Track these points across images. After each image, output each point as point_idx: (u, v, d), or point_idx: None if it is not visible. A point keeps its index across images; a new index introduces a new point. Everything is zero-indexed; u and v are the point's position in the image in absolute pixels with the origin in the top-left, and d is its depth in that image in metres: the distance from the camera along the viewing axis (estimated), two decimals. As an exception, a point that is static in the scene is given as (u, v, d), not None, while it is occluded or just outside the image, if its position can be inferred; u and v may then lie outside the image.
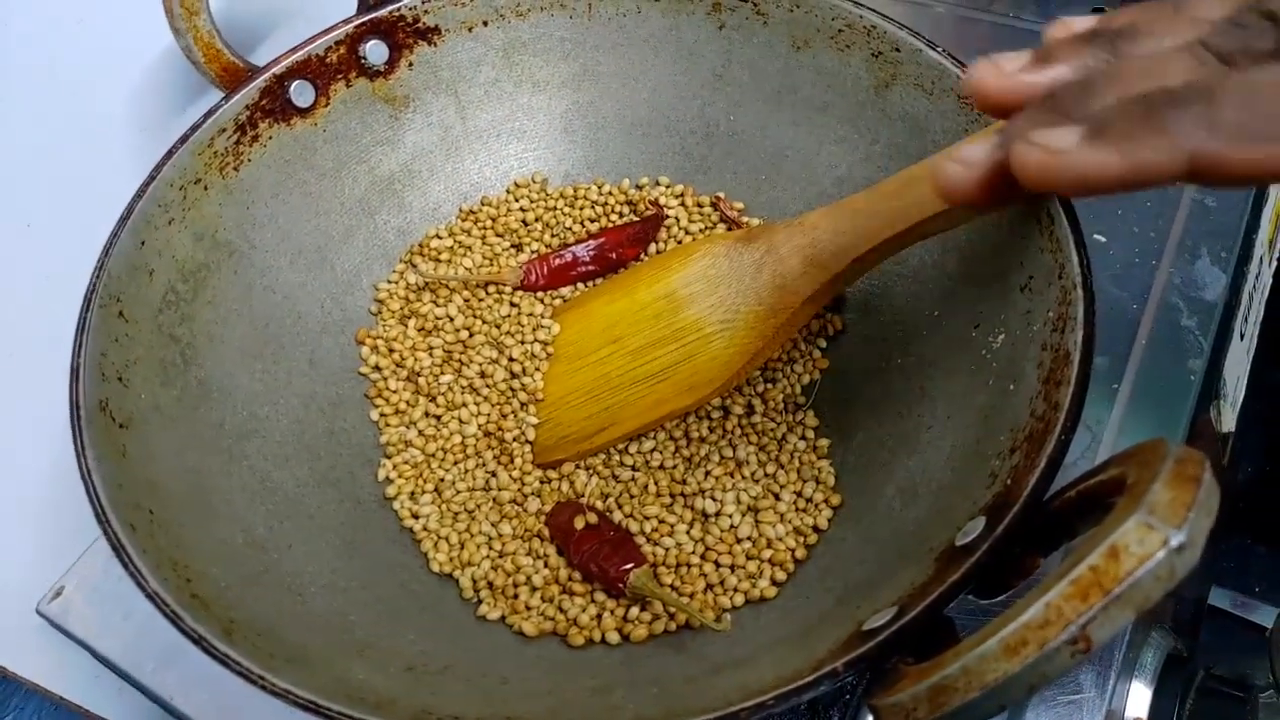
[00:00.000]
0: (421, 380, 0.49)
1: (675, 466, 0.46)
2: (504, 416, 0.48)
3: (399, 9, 0.49)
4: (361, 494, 0.45)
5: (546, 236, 0.54)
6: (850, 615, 0.33)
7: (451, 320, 0.51)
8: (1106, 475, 0.28)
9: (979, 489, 0.35)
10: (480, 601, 0.42)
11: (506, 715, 0.33)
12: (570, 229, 0.54)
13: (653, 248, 0.53)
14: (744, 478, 0.45)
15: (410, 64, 0.51)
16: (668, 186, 0.54)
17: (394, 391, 0.49)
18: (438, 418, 0.48)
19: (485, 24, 0.51)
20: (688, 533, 0.43)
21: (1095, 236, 0.57)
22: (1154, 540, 0.22)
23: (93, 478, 0.34)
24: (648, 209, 0.53)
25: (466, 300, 0.51)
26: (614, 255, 0.52)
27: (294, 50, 0.47)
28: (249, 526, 0.40)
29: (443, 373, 0.49)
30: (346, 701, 0.30)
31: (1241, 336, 0.60)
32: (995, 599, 0.32)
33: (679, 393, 0.45)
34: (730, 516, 0.43)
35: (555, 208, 0.54)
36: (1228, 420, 0.58)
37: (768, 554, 0.42)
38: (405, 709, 0.32)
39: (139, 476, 0.37)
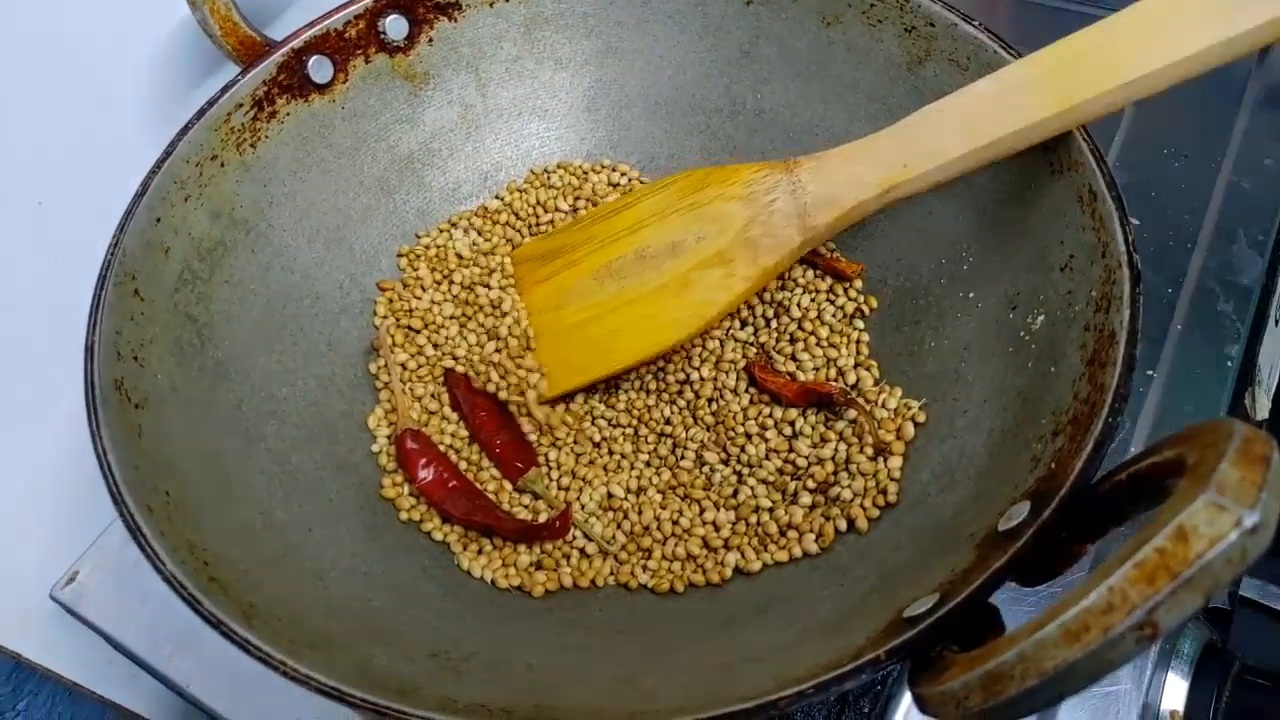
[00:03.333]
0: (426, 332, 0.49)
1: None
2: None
3: (419, -18, 0.48)
4: (381, 476, 0.44)
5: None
6: (889, 602, 0.32)
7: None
8: (1160, 457, 0.27)
9: (1021, 473, 0.34)
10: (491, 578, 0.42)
11: (533, 704, 0.32)
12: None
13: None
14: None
15: (430, 40, 0.50)
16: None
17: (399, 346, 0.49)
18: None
19: (507, -1, 0.50)
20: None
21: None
22: (1225, 521, 0.21)
23: (109, 458, 0.33)
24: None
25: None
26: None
27: (312, 24, 0.46)
28: (268, 509, 0.39)
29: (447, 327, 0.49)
30: (369, 688, 0.29)
31: (1276, 323, 0.59)
32: (1039, 586, 0.31)
33: (672, 330, 0.45)
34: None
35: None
36: (1262, 407, 0.57)
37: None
38: (429, 696, 0.31)
39: (155, 458, 0.36)
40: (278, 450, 0.41)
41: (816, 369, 0.46)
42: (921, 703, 0.25)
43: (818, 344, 0.47)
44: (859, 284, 0.48)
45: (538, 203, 0.53)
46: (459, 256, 0.51)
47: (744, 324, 0.48)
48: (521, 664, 0.35)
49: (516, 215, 0.53)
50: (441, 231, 0.52)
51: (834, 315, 0.47)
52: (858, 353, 0.46)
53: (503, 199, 0.53)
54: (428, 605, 0.39)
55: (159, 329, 0.40)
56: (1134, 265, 0.34)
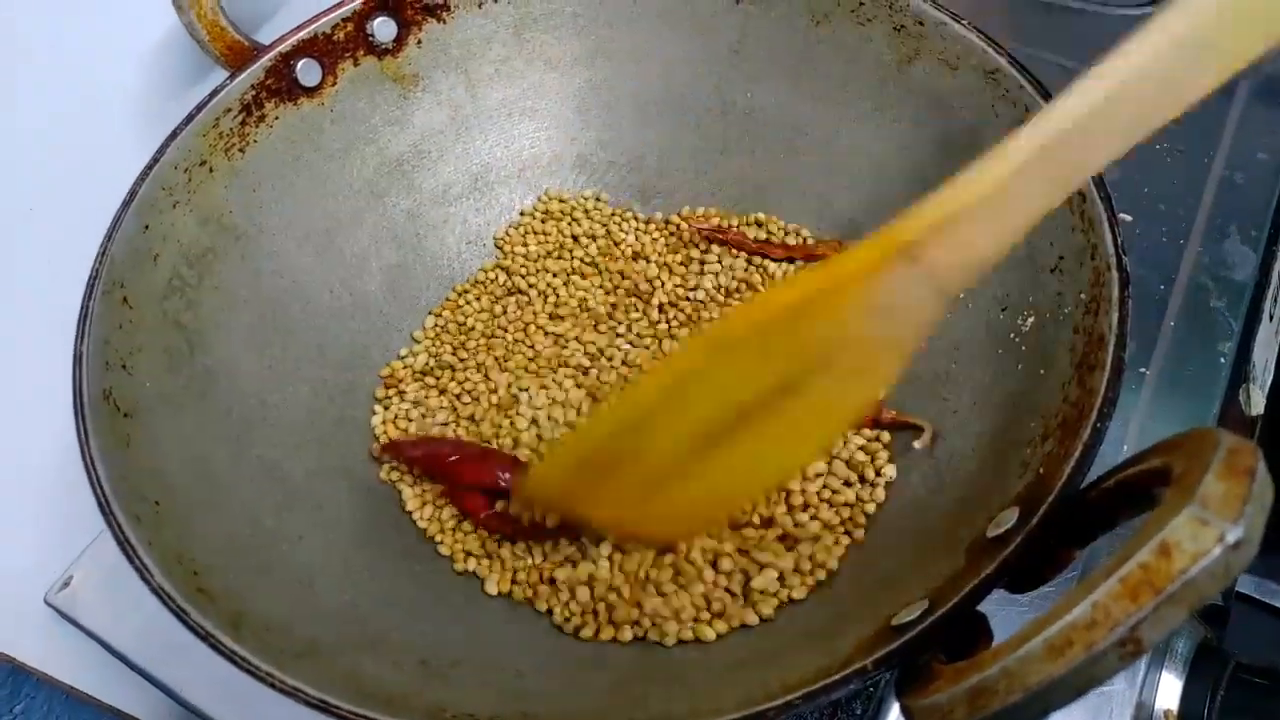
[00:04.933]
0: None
1: None
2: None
3: (407, -16, 0.48)
4: (372, 483, 0.44)
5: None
6: (877, 609, 0.32)
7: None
8: (1148, 465, 0.27)
9: (1010, 478, 0.34)
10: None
11: (523, 712, 0.32)
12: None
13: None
14: None
15: (419, 41, 0.49)
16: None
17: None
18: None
19: (496, 0, 0.50)
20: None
21: (1121, 215, 0.55)
22: (1208, 536, 0.21)
23: (96, 468, 0.33)
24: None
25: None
26: None
27: (300, 28, 0.46)
28: (257, 517, 0.39)
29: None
30: (358, 699, 0.29)
31: (1270, 318, 0.58)
32: (1029, 593, 0.31)
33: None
34: None
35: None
36: (1256, 403, 0.57)
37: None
38: (419, 706, 0.31)
39: (144, 467, 0.36)
40: (268, 457, 0.41)
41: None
42: (908, 714, 0.25)
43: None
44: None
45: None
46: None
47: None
48: (510, 671, 0.35)
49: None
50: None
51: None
52: None
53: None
54: (417, 612, 0.39)
55: (148, 337, 0.39)
56: (1123, 268, 0.34)
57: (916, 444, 0.42)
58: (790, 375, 0.32)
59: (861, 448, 0.42)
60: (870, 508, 0.41)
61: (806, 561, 0.40)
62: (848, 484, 0.42)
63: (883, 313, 0.31)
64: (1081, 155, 0.28)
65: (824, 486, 0.42)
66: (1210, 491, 0.22)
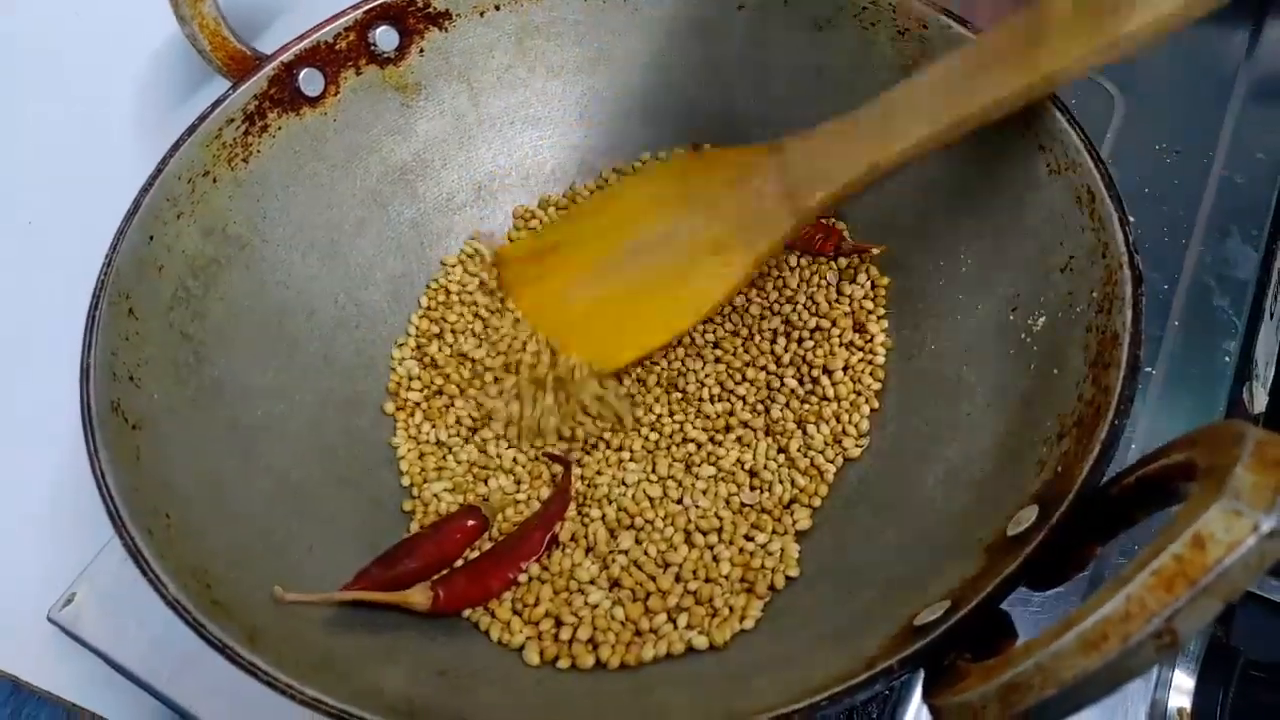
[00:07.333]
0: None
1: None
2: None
3: (410, -7, 0.48)
4: (382, 494, 0.44)
5: None
6: (898, 610, 0.32)
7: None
8: (1170, 460, 0.27)
9: (1027, 477, 0.34)
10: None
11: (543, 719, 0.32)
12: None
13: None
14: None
15: (421, 50, 0.49)
16: None
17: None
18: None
19: (497, 8, 0.50)
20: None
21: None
22: (1242, 527, 0.21)
23: (107, 482, 0.33)
24: None
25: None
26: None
27: (302, 37, 0.46)
28: (267, 529, 0.38)
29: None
30: (379, 710, 0.29)
31: (1271, 315, 0.59)
32: (1051, 590, 0.31)
33: (674, 321, 0.46)
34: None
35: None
36: (1259, 401, 0.57)
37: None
38: (439, 716, 0.31)
39: (154, 479, 0.35)
40: (276, 468, 0.41)
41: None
42: (937, 715, 0.25)
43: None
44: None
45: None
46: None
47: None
48: (530, 679, 0.35)
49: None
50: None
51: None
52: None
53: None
54: (432, 621, 0.38)
55: (155, 348, 0.39)
56: (1135, 266, 0.34)
57: (875, 250, 0.48)
58: (676, 220, 0.46)
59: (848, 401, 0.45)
60: (830, 471, 0.44)
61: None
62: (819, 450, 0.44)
63: (747, 190, 0.44)
64: (912, 117, 0.40)
65: (781, 450, 0.45)
66: (1241, 483, 0.22)
